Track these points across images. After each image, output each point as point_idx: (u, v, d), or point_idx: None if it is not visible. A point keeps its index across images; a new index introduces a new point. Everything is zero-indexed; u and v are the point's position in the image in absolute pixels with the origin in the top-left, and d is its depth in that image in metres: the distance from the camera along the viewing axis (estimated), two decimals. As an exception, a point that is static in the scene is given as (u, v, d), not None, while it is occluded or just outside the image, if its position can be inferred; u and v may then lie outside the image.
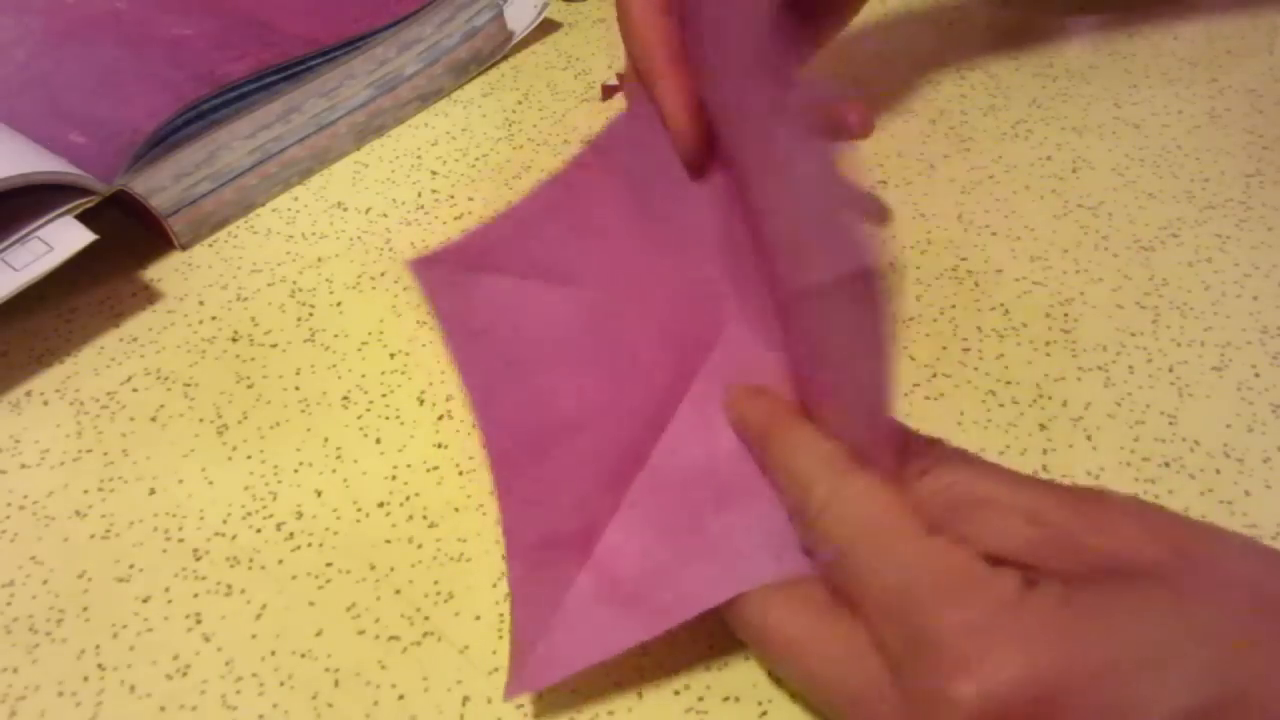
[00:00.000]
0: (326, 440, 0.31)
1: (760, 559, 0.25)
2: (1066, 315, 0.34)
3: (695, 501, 0.27)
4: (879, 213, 0.37)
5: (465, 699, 0.25)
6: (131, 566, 0.28)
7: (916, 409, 0.31)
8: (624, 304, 0.31)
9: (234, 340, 0.35)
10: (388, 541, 0.29)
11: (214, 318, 0.36)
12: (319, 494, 0.30)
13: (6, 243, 0.33)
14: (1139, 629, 0.18)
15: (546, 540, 0.27)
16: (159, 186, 0.37)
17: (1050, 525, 0.20)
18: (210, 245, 0.39)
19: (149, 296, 0.37)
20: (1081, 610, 0.19)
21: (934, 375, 0.33)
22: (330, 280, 0.37)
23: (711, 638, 0.26)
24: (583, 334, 0.30)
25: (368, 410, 0.32)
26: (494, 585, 0.28)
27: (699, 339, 0.29)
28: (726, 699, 0.25)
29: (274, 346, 0.35)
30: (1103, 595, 0.19)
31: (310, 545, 0.29)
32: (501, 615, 0.27)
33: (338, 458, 0.31)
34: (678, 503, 0.27)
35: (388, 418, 0.32)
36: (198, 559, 0.28)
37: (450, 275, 0.31)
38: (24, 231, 0.33)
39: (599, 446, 0.29)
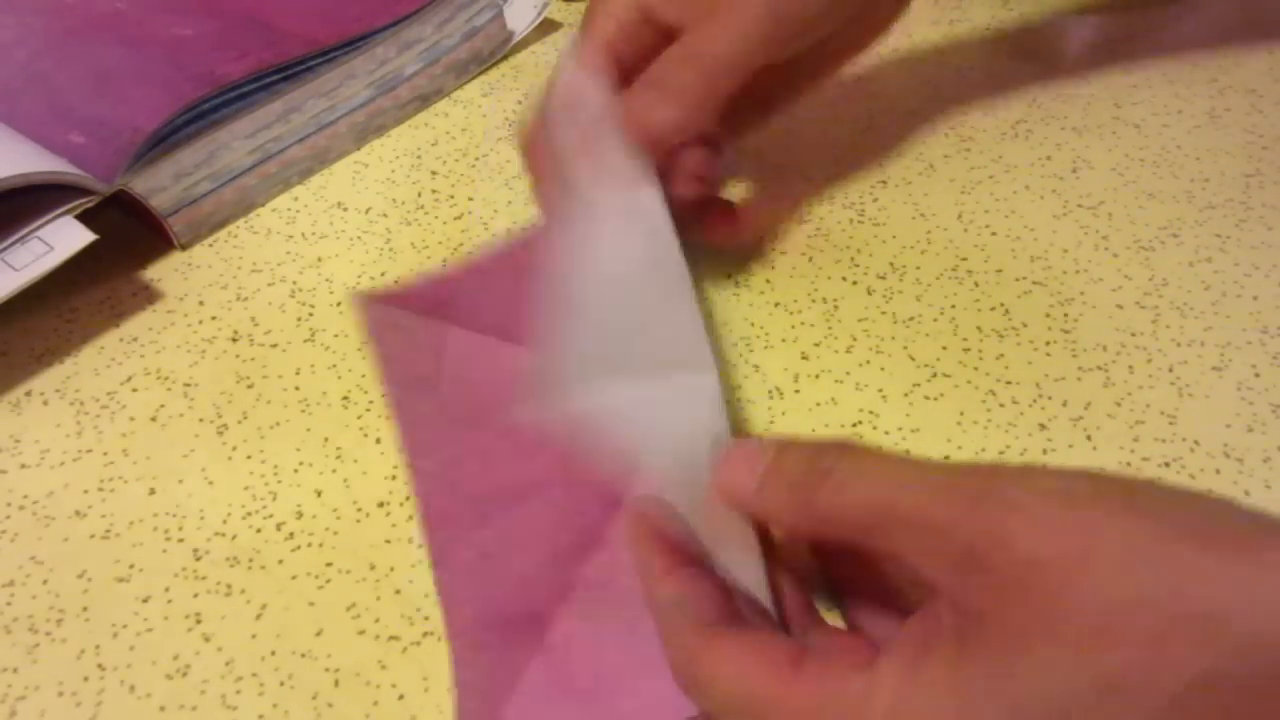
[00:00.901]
0: (326, 440, 0.31)
1: None
2: (1066, 315, 0.34)
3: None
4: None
5: (465, 699, 0.25)
6: (131, 566, 0.28)
7: (916, 409, 0.32)
8: None
9: (234, 340, 0.35)
10: (388, 541, 0.29)
11: (214, 318, 0.36)
12: (319, 494, 0.30)
13: (6, 243, 0.33)
14: (1041, 698, 0.18)
15: (489, 619, 0.25)
16: (159, 186, 0.37)
17: (957, 545, 0.19)
18: (210, 245, 0.39)
19: (149, 296, 0.37)
20: (970, 693, 0.18)
21: (934, 375, 0.33)
22: (330, 280, 0.37)
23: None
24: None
25: (368, 410, 0.32)
26: (494, 585, 0.27)
27: None
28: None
29: (274, 346, 0.35)
30: (995, 661, 0.18)
31: (310, 545, 0.29)
32: (501, 615, 0.27)
33: (338, 458, 0.31)
34: (636, 594, 0.24)
35: (388, 418, 0.32)
36: (198, 559, 0.28)
37: (396, 317, 0.30)
38: (24, 231, 0.33)
39: (546, 520, 0.27)
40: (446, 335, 0.30)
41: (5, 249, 0.33)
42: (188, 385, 0.33)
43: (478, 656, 0.25)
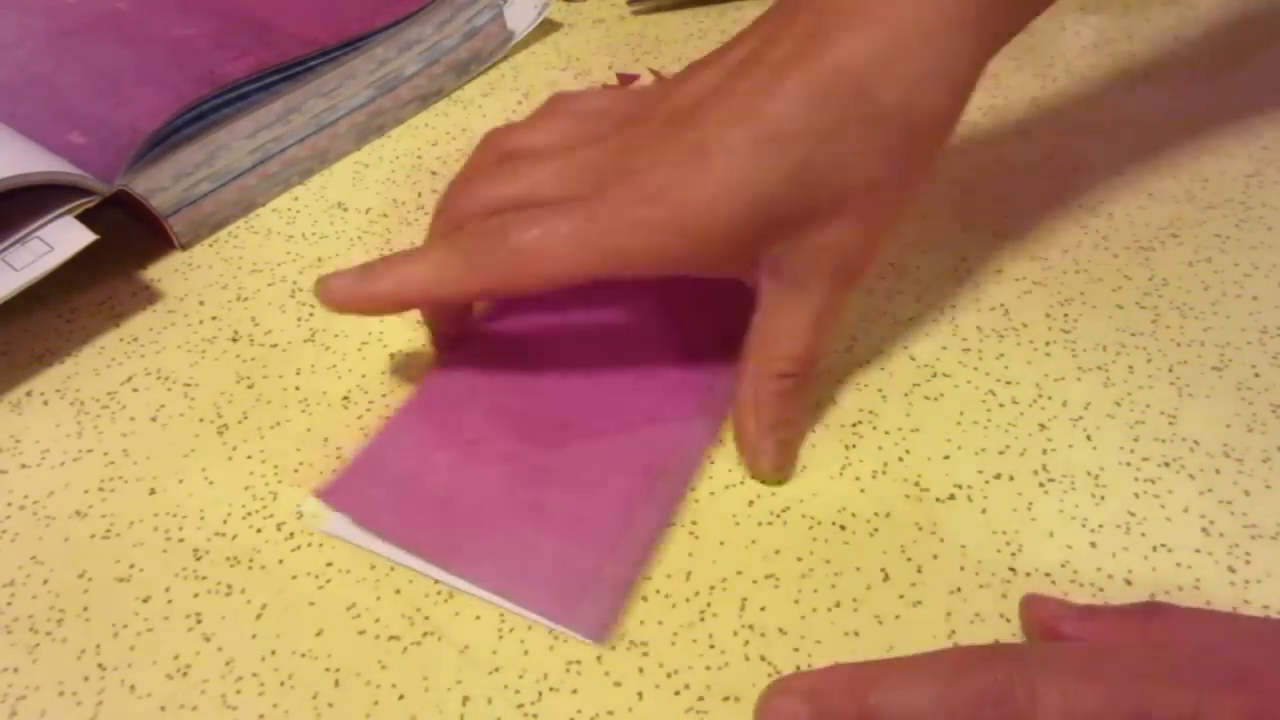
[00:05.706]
0: (326, 440, 0.31)
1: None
2: (1066, 315, 0.34)
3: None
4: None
5: (465, 699, 0.25)
6: (132, 566, 0.28)
7: (916, 409, 0.32)
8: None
9: (234, 340, 0.35)
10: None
11: (214, 318, 0.36)
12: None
13: (7, 243, 0.33)
14: None
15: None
16: (159, 186, 0.37)
17: None
18: (210, 245, 0.39)
19: (149, 296, 0.37)
20: None
21: (934, 375, 0.33)
22: (330, 280, 0.37)
23: (711, 638, 0.26)
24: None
25: (368, 410, 0.32)
26: (494, 585, 0.28)
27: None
28: (726, 699, 0.25)
29: (274, 346, 0.35)
30: None
31: (310, 545, 0.29)
32: (502, 615, 0.27)
33: (338, 458, 0.31)
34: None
35: (388, 418, 0.32)
36: (198, 559, 0.28)
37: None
38: (24, 231, 0.33)
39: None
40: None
41: (5, 249, 0.33)
42: (188, 385, 0.33)
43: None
